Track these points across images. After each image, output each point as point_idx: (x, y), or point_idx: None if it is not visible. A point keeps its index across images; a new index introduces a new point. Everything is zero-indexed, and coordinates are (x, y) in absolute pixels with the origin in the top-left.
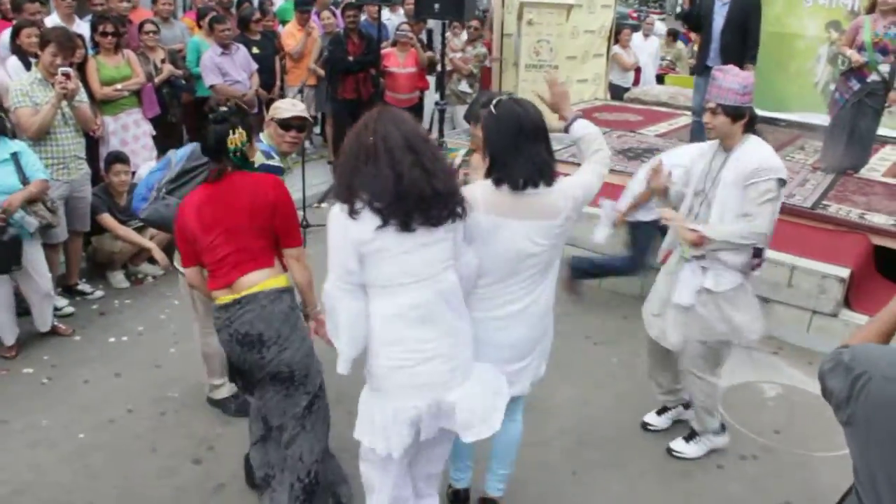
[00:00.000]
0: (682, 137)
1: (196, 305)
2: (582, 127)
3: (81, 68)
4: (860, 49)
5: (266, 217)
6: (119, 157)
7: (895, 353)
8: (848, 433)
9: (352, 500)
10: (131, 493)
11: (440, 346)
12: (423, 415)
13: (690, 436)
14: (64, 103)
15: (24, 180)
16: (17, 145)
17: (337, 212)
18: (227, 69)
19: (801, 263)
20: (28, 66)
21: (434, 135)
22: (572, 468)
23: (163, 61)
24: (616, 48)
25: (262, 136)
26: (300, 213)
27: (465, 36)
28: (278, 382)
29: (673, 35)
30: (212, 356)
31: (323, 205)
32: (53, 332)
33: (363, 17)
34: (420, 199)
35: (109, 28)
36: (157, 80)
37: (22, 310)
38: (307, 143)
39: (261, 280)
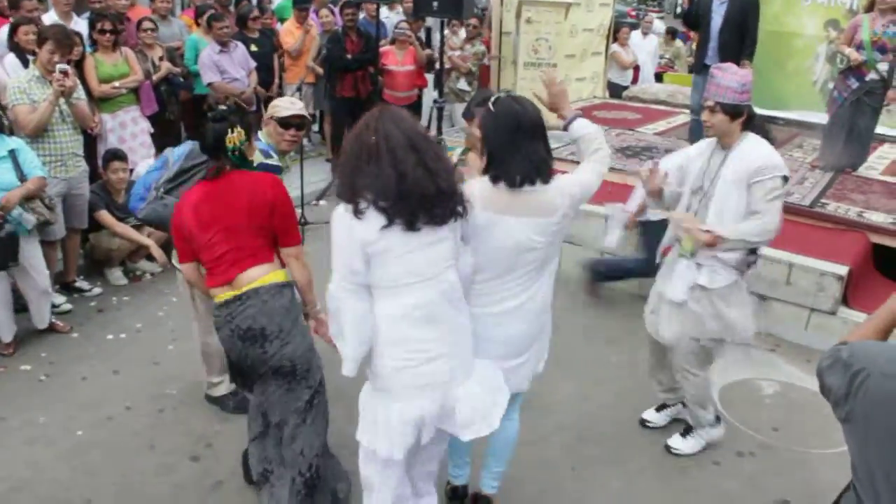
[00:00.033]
0: (681, 136)
1: (196, 304)
2: (581, 126)
3: (79, 66)
4: (859, 47)
5: (264, 216)
6: (117, 155)
7: (893, 349)
8: (846, 430)
9: (350, 496)
10: (129, 490)
11: (443, 345)
12: (427, 415)
13: (686, 431)
14: (62, 101)
15: (22, 177)
16: (15, 142)
17: (341, 212)
18: (225, 67)
19: (800, 261)
20: (26, 64)
21: (432, 133)
22: (571, 464)
23: (161, 59)
24: (615, 46)
25: (260, 134)
26: (298, 211)
27: (463, 34)
28: (280, 377)
29: (671, 33)
30: (212, 356)
31: (321, 202)
32: (51, 329)
33: (362, 15)
34: (423, 198)
35: (107, 25)
36: (155, 77)
37: (20, 307)
38: (305, 141)
39: (261, 275)
